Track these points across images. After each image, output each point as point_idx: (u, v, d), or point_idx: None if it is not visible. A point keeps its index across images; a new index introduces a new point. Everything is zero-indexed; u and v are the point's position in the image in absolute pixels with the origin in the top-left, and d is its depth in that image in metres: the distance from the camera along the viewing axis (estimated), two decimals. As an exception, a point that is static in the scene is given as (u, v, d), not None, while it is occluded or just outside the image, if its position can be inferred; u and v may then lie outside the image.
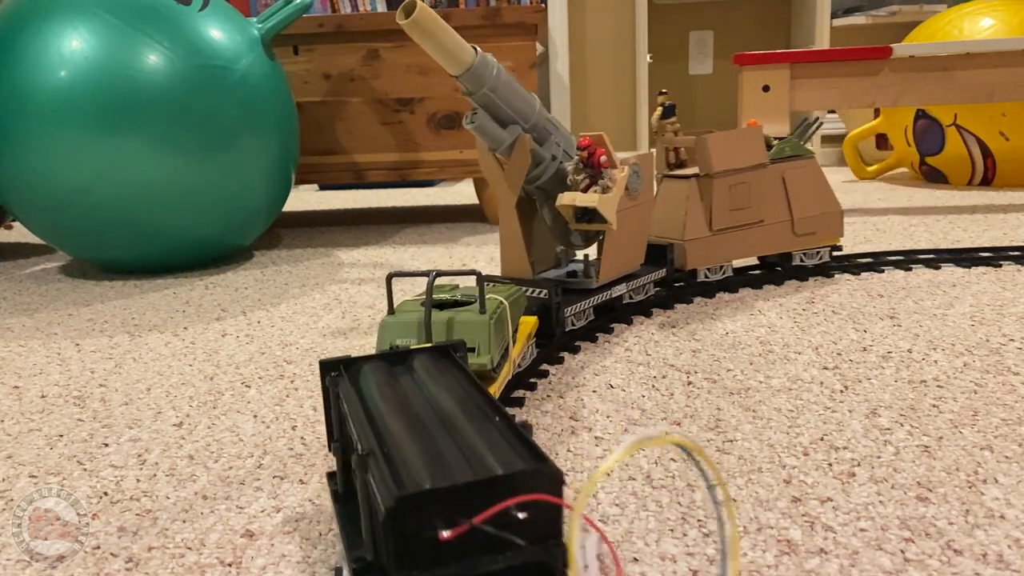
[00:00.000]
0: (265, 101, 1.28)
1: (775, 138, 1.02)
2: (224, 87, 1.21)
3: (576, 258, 0.92)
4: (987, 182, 1.89)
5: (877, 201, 1.72)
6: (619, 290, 0.86)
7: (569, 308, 0.79)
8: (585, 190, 0.80)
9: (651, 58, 2.46)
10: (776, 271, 1.03)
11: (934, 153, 1.91)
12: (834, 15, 2.48)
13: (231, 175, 1.24)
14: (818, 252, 1.04)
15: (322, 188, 2.76)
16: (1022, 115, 1.76)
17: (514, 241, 0.81)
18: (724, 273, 0.99)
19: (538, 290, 0.77)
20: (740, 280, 1.02)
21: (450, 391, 0.42)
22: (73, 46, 1.14)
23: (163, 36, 1.17)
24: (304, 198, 2.44)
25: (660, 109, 1.04)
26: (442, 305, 0.63)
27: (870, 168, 2.13)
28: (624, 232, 0.84)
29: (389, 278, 0.58)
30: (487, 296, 0.63)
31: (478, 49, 0.73)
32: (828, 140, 2.52)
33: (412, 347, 0.49)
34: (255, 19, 1.35)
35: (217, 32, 1.23)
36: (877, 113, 2.08)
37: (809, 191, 1.02)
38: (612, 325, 0.86)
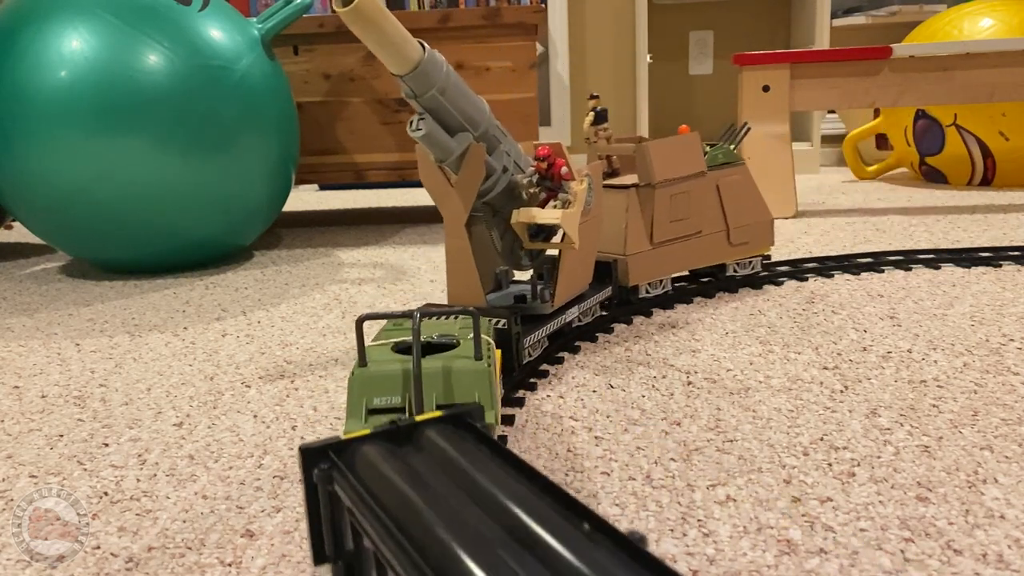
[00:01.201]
0: (265, 101, 1.28)
1: (707, 145, 0.98)
2: (224, 87, 1.21)
3: (516, 279, 0.84)
4: (987, 182, 1.89)
5: (877, 201, 1.72)
6: (571, 314, 0.79)
7: (527, 338, 0.71)
8: (542, 205, 0.73)
9: (651, 58, 2.46)
10: (708, 283, 0.98)
11: (934, 153, 1.91)
12: (834, 15, 2.48)
13: (231, 175, 1.24)
14: (750, 262, 1.01)
15: (322, 188, 2.76)
16: (1022, 115, 1.76)
17: (464, 265, 0.72)
18: (664, 288, 0.93)
19: (493, 320, 0.68)
20: (741, 280, 1.02)
21: (500, 483, 0.31)
22: (73, 46, 1.14)
23: (163, 36, 1.17)
24: (304, 198, 2.44)
25: (591, 115, 0.96)
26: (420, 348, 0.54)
27: (870, 168, 2.13)
28: (579, 250, 0.77)
29: (360, 322, 0.48)
30: (456, 332, 0.55)
31: (425, 45, 0.64)
32: (828, 140, 2.52)
33: (417, 418, 0.39)
34: (255, 19, 1.35)
35: (217, 32, 1.23)
36: (877, 113, 2.08)
37: (743, 199, 0.98)
38: (612, 325, 0.86)
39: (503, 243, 0.78)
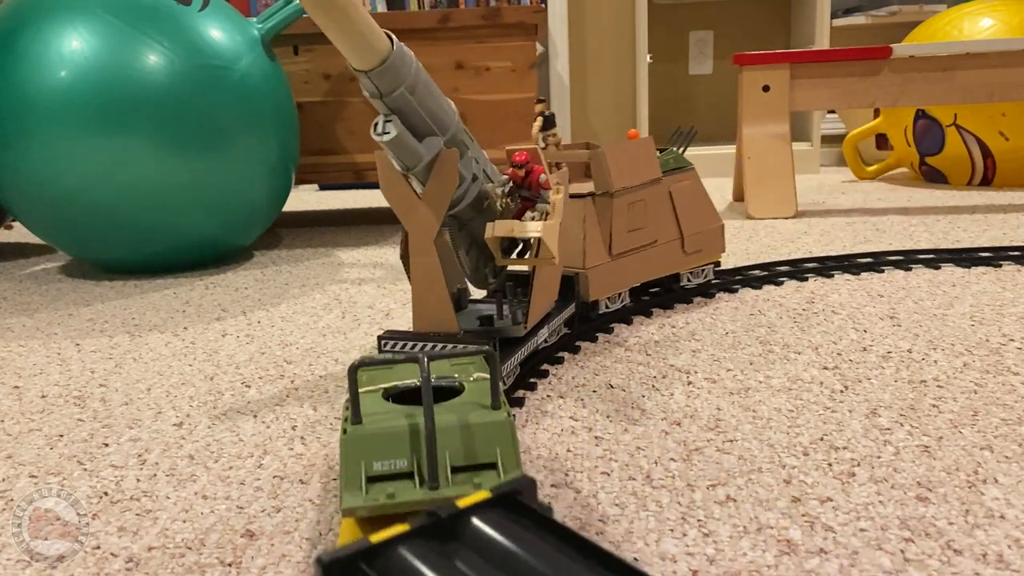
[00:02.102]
0: (265, 101, 1.28)
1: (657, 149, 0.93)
2: (224, 87, 1.21)
3: (475, 298, 0.77)
4: (987, 182, 1.89)
5: (877, 201, 1.72)
6: (542, 335, 0.73)
7: (503, 365, 0.65)
8: (517, 216, 0.66)
9: (651, 58, 2.46)
10: (662, 294, 0.94)
11: (934, 153, 1.91)
12: (834, 15, 2.48)
13: (231, 175, 1.24)
14: (703, 270, 0.97)
15: (322, 188, 2.76)
16: (1022, 115, 1.76)
17: (433, 285, 0.64)
18: (623, 302, 0.88)
19: (467, 348, 0.61)
20: (740, 280, 1.02)
21: None
22: (73, 46, 1.14)
23: (163, 36, 1.17)
24: (304, 198, 2.44)
25: (540, 119, 0.88)
26: (413, 394, 0.46)
27: (870, 168, 2.13)
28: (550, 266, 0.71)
29: (353, 371, 0.39)
30: (458, 371, 0.46)
31: (393, 37, 0.57)
32: (828, 140, 2.52)
33: (460, 503, 0.31)
34: (255, 19, 1.35)
35: (217, 32, 1.23)
36: (877, 113, 2.08)
37: (695, 206, 0.94)
38: (612, 325, 0.86)
39: (468, 259, 0.71)
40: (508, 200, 0.66)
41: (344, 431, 0.40)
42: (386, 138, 0.58)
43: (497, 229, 0.64)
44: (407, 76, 0.58)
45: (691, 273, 0.96)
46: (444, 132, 0.62)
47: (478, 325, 0.69)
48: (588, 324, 0.84)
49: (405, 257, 0.68)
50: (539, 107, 0.92)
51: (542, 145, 0.88)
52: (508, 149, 0.70)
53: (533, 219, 0.64)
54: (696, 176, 0.95)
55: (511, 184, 0.66)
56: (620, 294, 0.88)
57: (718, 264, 1.00)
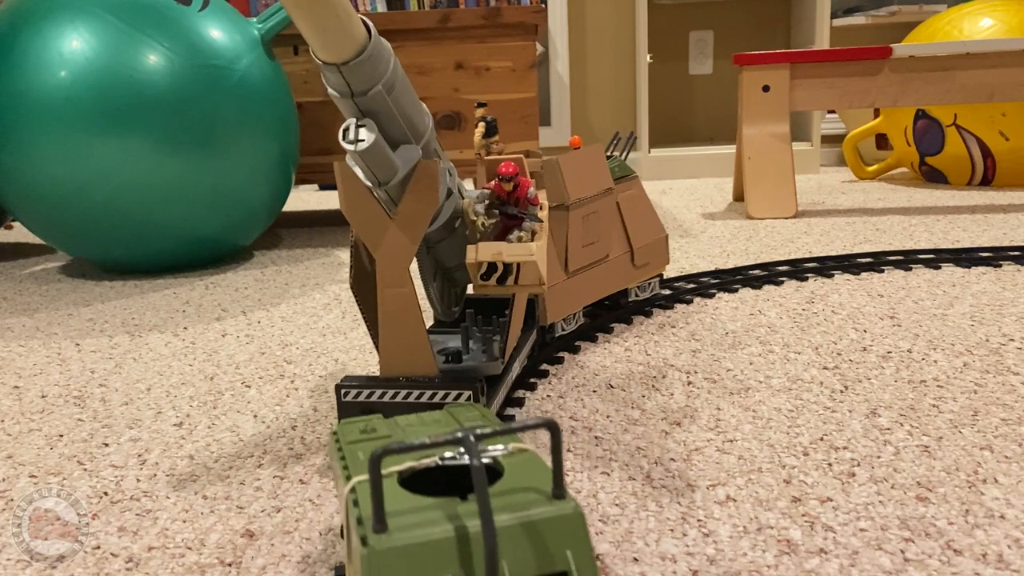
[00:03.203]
0: (265, 101, 1.28)
1: None
2: (224, 87, 1.21)
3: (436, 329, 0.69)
4: (987, 182, 1.89)
5: (877, 201, 1.72)
6: (515, 370, 0.66)
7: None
8: (500, 236, 0.57)
9: (651, 58, 2.46)
10: (614, 310, 0.89)
11: (934, 153, 1.91)
12: (834, 15, 2.48)
13: (231, 175, 1.24)
14: (650, 283, 0.92)
15: (322, 188, 2.76)
16: (1022, 115, 1.76)
17: (410, 323, 0.54)
18: (577, 322, 0.82)
19: (450, 394, 0.54)
20: (740, 280, 1.02)
21: None
22: (73, 46, 1.14)
23: (163, 36, 1.17)
24: (304, 198, 2.44)
25: (482, 125, 0.80)
26: (439, 479, 0.35)
27: (870, 168, 2.13)
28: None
29: (377, 461, 0.28)
30: (493, 441, 0.34)
31: (370, 24, 0.47)
32: (828, 140, 2.52)
33: None
34: (255, 19, 1.35)
35: (217, 32, 1.23)
36: (877, 113, 2.08)
37: (641, 216, 0.89)
38: (612, 325, 0.86)
39: (438, 286, 0.64)
40: (488, 220, 0.57)
41: (364, 542, 0.28)
42: (361, 146, 0.48)
43: (481, 252, 0.55)
44: (384, 72, 0.48)
45: (639, 287, 0.90)
46: (418, 139, 0.53)
47: (444, 362, 0.61)
48: (546, 349, 0.77)
49: (358, 288, 0.58)
50: (480, 112, 0.81)
51: (485, 154, 0.79)
52: (488, 158, 0.61)
53: (521, 239, 0.56)
54: (640, 184, 0.89)
55: (496, 199, 0.57)
56: (575, 314, 0.81)
57: (662, 277, 0.95)
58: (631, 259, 0.87)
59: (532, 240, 0.56)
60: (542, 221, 0.57)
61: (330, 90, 0.48)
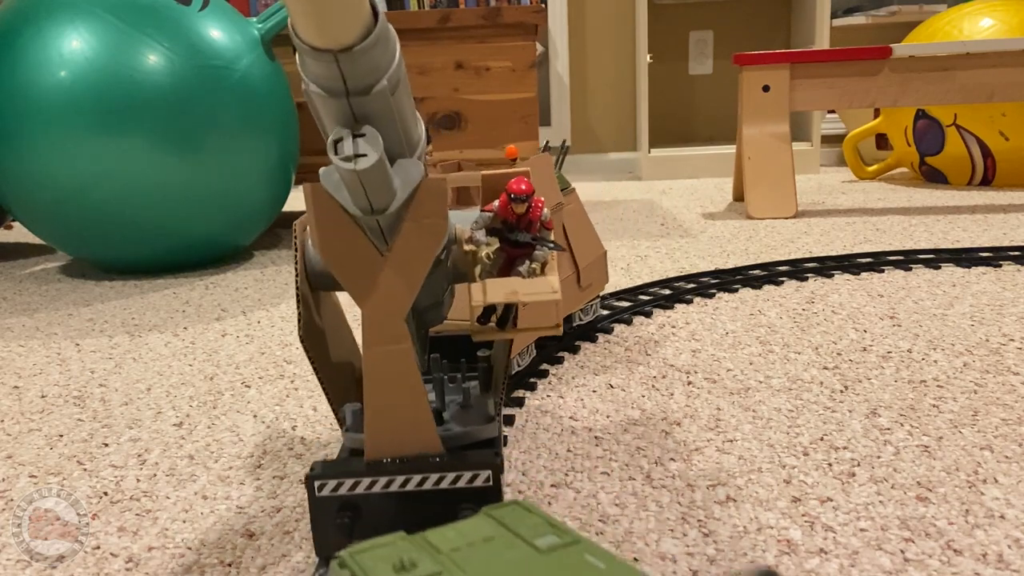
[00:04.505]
0: (265, 101, 1.28)
1: None
2: (224, 87, 1.21)
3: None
4: (987, 182, 1.88)
5: (877, 201, 1.72)
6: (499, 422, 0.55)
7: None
8: (504, 270, 0.45)
9: (651, 58, 2.46)
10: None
11: (934, 153, 1.91)
12: (834, 15, 2.48)
13: (231, 175, 1.24)
14: (592, 305, 0.84)
15: (322, 188, 2.76)
16: (1022, 115, 1.76)
17: (406, 390, 0.42)
18: (530, 354, 0.74)
19: (462, 476, 0.42)
20: (740, 280, 1.02)
21: None
22: (73, 46, 1.14)
23: (163, 36, 1.17)
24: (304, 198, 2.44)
25: None
26: None
27: (870, 168, 2.13)
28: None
29: None
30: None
31: (376, 5, 0.35)
32: (828, 140, 2.52)
33: None
34: (255, 19, 1.35)
35: (217, 32, 1.23)
36: (877, 113, 2.08)
37: (583, 232, 0.81)
38: (612, 325, 0.86)
39: (411, 330, 0.52)
40: (491, 251, 0.45)
41: None
42: (362, 164, 0.35)
43: (492, 292, 0.43)
44: (390, 63, 0.36)
45: (582, 311, 0.82)
46: (412, 151, 0.41)
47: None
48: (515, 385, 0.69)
49: (311, 339, 0.45)
50: None
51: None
52: (486, 174, 0.47)
53: (534, 272, 0.44)
54: (578, 198, 0.82)
55: (502, 223, 0.44)
56: (528, 347, 0.74)
57: (601, 297, 0.87)
58: (577, 280, 0.78)
59: (544, 272, 0.44)
60: (562, 248, 0.47)
61: (311, 87, 0.35)
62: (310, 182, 0.41)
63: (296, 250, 0.47)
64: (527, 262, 0.44)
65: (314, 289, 0.48)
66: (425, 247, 0.41)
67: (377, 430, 0.42)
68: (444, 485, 0.42)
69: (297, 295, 0.45)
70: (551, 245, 0.44)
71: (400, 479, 0.42)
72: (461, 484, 0.42)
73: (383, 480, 0.42)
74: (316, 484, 0.41)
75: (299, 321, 0.45)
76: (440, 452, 0.43)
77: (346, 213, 0.40)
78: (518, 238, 0.44)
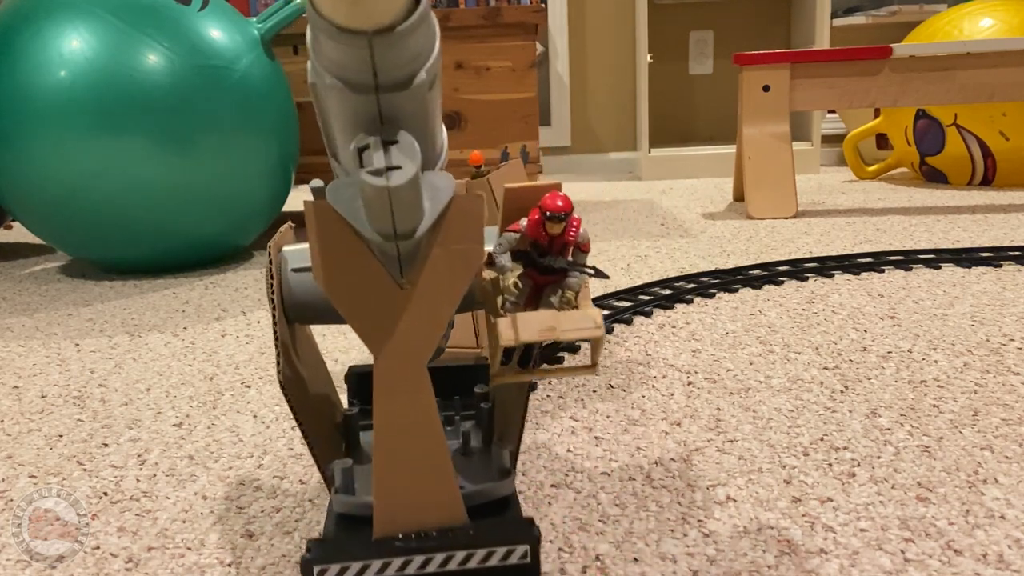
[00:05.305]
0: (265, 101, 1.28)
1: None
2: (224, 87, 1.21)
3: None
4: (987, 182, 1.88)
5: (877, 201, 1.72)
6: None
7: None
8: (533, 300, 0.38)
9: (651, 58, 2.46)
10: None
11: (934, 153, 1.91)
12: (834, 15, 2.48)
13: (231, 175, 1.24)
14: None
15: (322, 188, 2.76)
16: (1022, 115, 1.76)
17: (427, 447, 0.35)
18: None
19: (494, 553, 0.36)
20: (740, 280, 1.02)
21: None
22: (73, 46, 1.14)
23: (163, 36, 1.17)
24: (304, 198, 2.45)
25: None
26: None
27: (870, 168, 2.13)
28: None
29: None
30: None
31: None
32: (828, 140, 2.52)
33: None
34: (255, 19, 1.35)
35: (217, 32, 1.23)
36: (877, 113, 2.08)
37: None
38: (612, 325, 0.86)
39: None
40: (516, 277, 0.37)
41: None
42: (397, 178, 0.29)
43: (524, 328, 0.35)
44: (431, 50, 0.29)
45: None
46: (434, 162, 0.36)
47: None
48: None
49: (291, 386, 0.40)
50: None
51: None
52: (509, 187, 0.38)
53: (569, 303, 0.37)
54: None
55: (523, 246, 0.37)
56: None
57: None
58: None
59: (577, 300, 0.37)
60: (608, 276, 0.39)
61: (327, 80, 0.28)
62: (312, 200, 0.33)
63: (271, 277, 0.39)
64: (559, 291, 0.37)
65: (291, 322, 0.41)
66: (455, 279, 0.35)
67: (390, 500, 0.35)
68: (472, 564, 0.35)
69: (275, 332, 0.39)
70: (591, 271, 0.38)
71: (419, 559, 0.35)
72: (493, 562, 0.35)
73: (398, 562, 0.35)
74: (316, 570, 0.34)
75: (278, 365, 0.38)
76: (466, 523, 0.36)
77: (359, 238, 0.33)
78: (553, 263, 0.37)
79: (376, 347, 0.34)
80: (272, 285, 0.39)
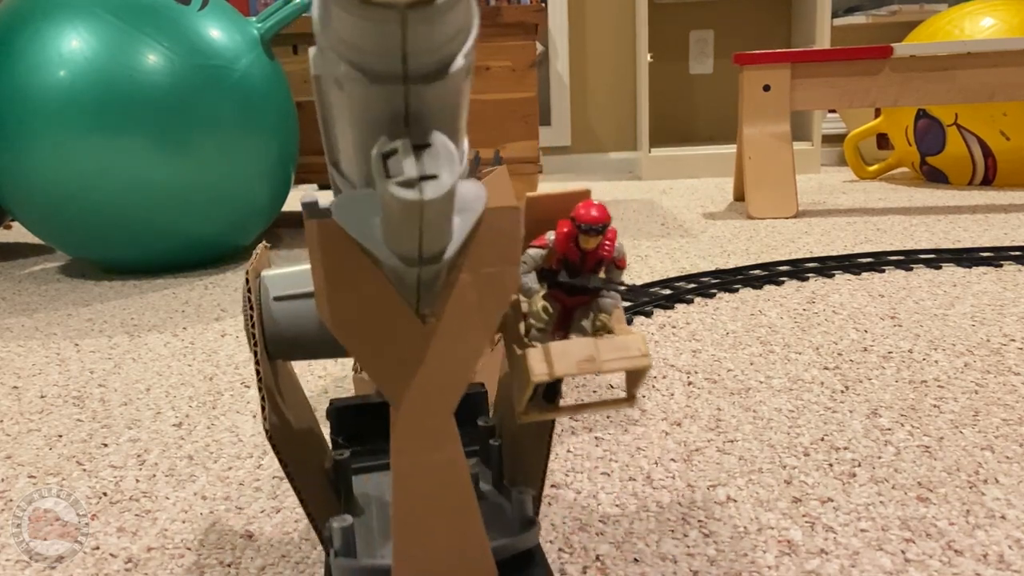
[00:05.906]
0: (265, 101, 1.28)
1: None
2: (224, 87, 1.21)
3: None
4: (988, 182, 1.88)
5: (878, 201, 1.72)
6: None
7: None
8: (562, 325, 0.32)
9: (651, 58, 2.46)
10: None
11: (935, 153, 1.91)
12: (834, 15, 2.48)
13: (231, 175, 1.24)
14: None
15: (322, 188, 2.76)
16: (1023, 115, 1.76)
17: (455, 506, 0.30)
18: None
19: None
20: (740, 280, 1.02)
21: None
22: (73, 46, 1.14)
23: (163, 36, 1.17)
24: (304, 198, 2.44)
25: None
26: None
27: (871, 168, 2.13)
28: None
29: None
30: None
31: None
32: (829, 140, 2.52)
33: None
34: (255, 19, 1.35)
35: (217, 32, 1.23)
36: (878, 113, 2.08)
37: None
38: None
39: None
40: (546, 303, 0.32)
41: None
42: (432, 191, 0.23)
43: (559, 361, 0.30)
44: (469, 32, 0.23)
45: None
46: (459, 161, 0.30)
47: None
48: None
49: (279, 434, 0.35)
50: None
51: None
52: (531, 196, 0.33)
53: (605, 327, 0.32)
54: None
55: (552, 264, 0.32)
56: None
57: None
58: None
59: (612, 323, 0.32)
60: (615, 295, 0.33)
61: (342, 70, 0.22)
62: (315, 219, 0.28)
63: (251, 309, 0.34)
64: (590, 314, 0.32)
65: (273, 358, 0.36)
66: (487, 309, 0.29)
67: (412, 562, 0.30)
68: None
69: (257, 373, 0.33)
70: (612, 288, 0.32)
71: None
72: None
73: None
74: None
75: (263, 411, 0.33)
76: None
77: (372, 263, 0.28)
78: (588, 283, 0.32)
79: (395, 393, 0.29)
80: (251, 317, 0.34)
